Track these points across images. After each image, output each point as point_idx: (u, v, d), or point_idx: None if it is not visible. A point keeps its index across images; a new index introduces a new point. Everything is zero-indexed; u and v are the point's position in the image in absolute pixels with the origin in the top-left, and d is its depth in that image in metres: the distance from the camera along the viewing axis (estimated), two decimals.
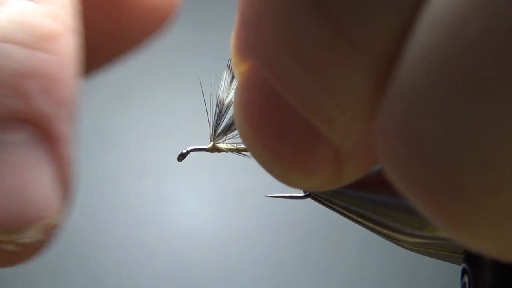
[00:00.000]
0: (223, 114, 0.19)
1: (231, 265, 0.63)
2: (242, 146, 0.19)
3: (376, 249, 0.60)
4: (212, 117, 0.19)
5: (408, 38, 0.08)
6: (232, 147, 0.19)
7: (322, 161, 0.09)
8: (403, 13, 0.08)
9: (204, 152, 0.20)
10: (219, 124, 0.19)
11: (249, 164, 0.21)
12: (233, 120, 0.19)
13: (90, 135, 0.61)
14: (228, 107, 0.19)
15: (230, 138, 0.19)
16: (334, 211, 0.26)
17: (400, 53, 0.08)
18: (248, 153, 0.20)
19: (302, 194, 0.26)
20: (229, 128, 0.19)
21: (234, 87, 0.19)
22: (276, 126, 0.10)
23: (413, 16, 0.08)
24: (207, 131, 0.19)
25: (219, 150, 0.19)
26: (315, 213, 0.51)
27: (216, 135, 0.19)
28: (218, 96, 0.19)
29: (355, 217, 0.26)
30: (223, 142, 0.19)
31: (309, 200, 0.26)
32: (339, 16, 0.08)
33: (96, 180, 0.61)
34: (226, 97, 0.19)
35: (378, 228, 0.25)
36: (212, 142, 0.19)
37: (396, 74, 0.08)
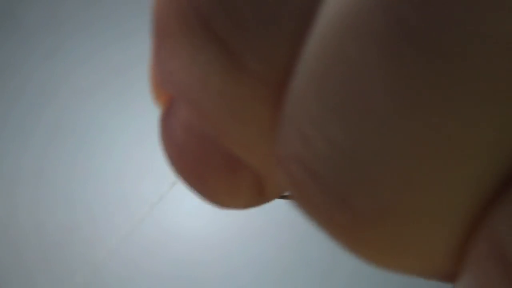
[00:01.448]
0: None
1: (231, 265, 0.63)
2: None
3: None
4: None
5: (298, 61, 0.08)
6: None
7: (245, 183, 0.10)
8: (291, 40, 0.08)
9: None
10: None
11: None
12: None
13: (89, 135, 0.61)
14: None
15: None
16: None
17: (290, 78, 0.08)
18: None
19: None
20: None
21: None
22: (197, 156, 0.10)
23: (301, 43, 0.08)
24: None
25: None
26: None
27: None
28: None
29: None
30: None
31: None
32: (233, 46, 0.08)
33: (95, 180, 0.61)
34: None
35: None
36: None
37: (286, 99, 0.08)
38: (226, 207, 0.10)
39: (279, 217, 0.62)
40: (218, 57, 0.08)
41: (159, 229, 0.61)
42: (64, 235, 0.60)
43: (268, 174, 0.10)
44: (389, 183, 0.07)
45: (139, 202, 0.61)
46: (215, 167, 0.10)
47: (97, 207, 0.60)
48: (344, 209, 0.08)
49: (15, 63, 0.60)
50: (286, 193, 0.23)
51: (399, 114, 0.07)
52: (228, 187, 0.10)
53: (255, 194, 0.10)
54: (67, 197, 0.60)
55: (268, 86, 0.08)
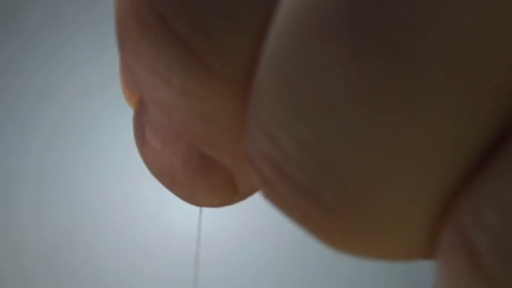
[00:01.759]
0: None
1: (231, 265, 0.63)
2: None
3: None
4: None
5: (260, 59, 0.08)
6: None
7: (219, 181, 0.10)
8: (255, 38, 0.08)
9: None
10: None
11: None
12: None
13: (90, 135, 0.61)
14: None
15: None
16: None
17: (253, 77, 0.08)
18: None
19: None
20: None
21: None
22: (168, 155, 0.10)
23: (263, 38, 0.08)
24: None
25: None
26: None
27: None
28: None
29: None
30: None
31: None
32: (194, 45, 0.08)
33: (96, 180, 0.61)
34: None
35: None
36: None
37: (250, 98, 0.08)
38: (200, 205, 0.10)
39: (279, 217, 0.62)
40: (179, 57, 0.08)
41: (159, 228, 0.61)
42: (64, 235, 0.60)
43: (240, 172, 0.09)
44: (356, 178, 0.07)
45: (139, 202, 0.61)
46: (188, 166, 0.09)
47: (97, 207, 0.60)
48: (314, 205, 0.08)
49: (16, 63, 0.60)
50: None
51: (361, 112, 0.07)
52: (201, 186, 0.10)
53: (229, 192, 0.10)
54: (67, 197, 0.60)
55: (232, 85, 0.08)
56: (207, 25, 0.08)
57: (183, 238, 0.61)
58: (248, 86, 0.08)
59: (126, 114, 0.59)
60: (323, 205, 0.08)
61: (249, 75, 0.08)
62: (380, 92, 0.07)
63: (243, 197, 0.10)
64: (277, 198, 0.08)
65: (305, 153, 0.07)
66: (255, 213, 0.61)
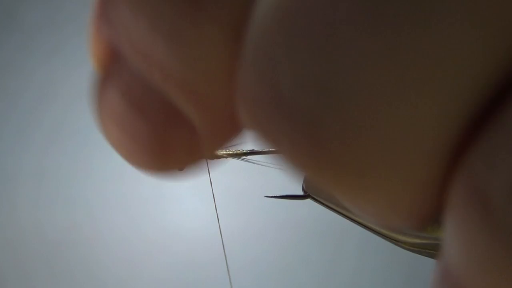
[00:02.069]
0: None
1: (231, 266, 0.63)
2: (242, 150, 0.19)
3: (376, 249, 0.60)
4: None
5: None
6: (231, 153, 0.19)
7: (181, 146, 0.09)
8: None
9: None
10: None
11: (249, 165, 0.21)
12: None
13: (89, 135, 0.61)
14: None
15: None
16: (333, 211, 0.26)
17: (250, 16, 0.08)
18: (248, 157, 0.20)
19: (301, 194, 0.26)
20: None
21: None
22: (138, 120, 0.09)
23: None
24: None
25: (218, 157, 0.19)
26: (314, 213, 0.51)
27: None
28: None
29: (354, 218, 0.26)
30: (222, 149, 0.19)
31: (308, 200, 0.26)
32: None
33: (95, 180, 0.61)
34: None
35: (378, 229, 0.25)
36: None
37: (248, 37, 0.08)
38: (155, 173, 0.10)
39: (279, 217, 0.62)
40: None
41: (159, 229, 0.61)
42: (64, 234, 0.60)
43: (209, 130, 0.09)
44: (356, 101, 0.07)
45: (138, 202, 0.61)
46: (152, 129, 0.09)
47: (96, 207, 0.60)
48: (310, 135, 0.07)
49: (16, 63, 0.60)
50: (283, 194, 0.23)
51: (365, 35, 0.07)
52: (163, 150, 0.09)
53: (189, 157, 0.09)
54: (67, 197, 0.60)
55: (226, 27, 0.08)
56: None
57: (181, 238, 0.61)
58: (243, 25, 0.08)
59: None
60: (319, 133, 0.07)
61: (245, 14, 0.08)
62: (390, 20, 0.07)
63: (202, 157, 0.10)
64: (272, 139, 0.08)
65: (309, 83, 0.07)
66: (255, 214, 0.61)
